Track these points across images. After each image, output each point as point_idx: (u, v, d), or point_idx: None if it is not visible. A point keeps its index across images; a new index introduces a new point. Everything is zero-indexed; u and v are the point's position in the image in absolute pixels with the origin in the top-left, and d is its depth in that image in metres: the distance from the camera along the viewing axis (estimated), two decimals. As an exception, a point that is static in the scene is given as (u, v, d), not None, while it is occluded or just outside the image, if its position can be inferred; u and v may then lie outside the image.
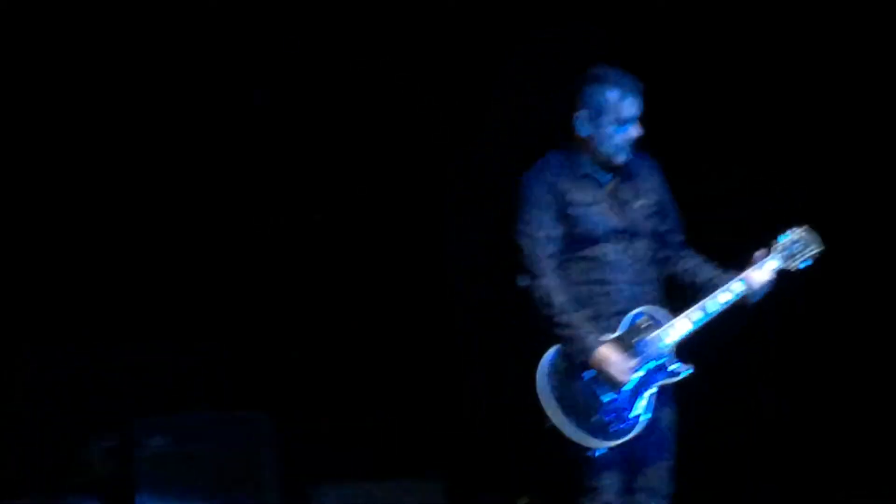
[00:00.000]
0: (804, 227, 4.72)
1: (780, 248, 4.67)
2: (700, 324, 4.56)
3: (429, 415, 6.56)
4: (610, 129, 4.56)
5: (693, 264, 4.77)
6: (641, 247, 4.65)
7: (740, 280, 4.59)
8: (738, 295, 4.58)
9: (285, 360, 6.58)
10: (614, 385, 4.46)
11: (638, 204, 4.66)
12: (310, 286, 6.55)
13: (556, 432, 4.44)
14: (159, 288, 6.42)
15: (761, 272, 4.59)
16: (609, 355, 4.45)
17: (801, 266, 4.69)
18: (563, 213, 4.59)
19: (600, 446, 4.46)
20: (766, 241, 4.69)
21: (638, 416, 4.51)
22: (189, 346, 6.45)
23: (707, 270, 4.72)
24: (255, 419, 6.39)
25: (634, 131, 4.58)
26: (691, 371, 4.56)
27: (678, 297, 4.68)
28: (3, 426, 6.09)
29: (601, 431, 4.46)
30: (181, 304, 6.45)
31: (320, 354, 6.65)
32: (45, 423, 6.18)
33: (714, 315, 4.58)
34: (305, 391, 6.60)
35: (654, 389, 4.54)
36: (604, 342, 4.46)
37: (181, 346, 6.42)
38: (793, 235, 4.70)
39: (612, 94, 4.54)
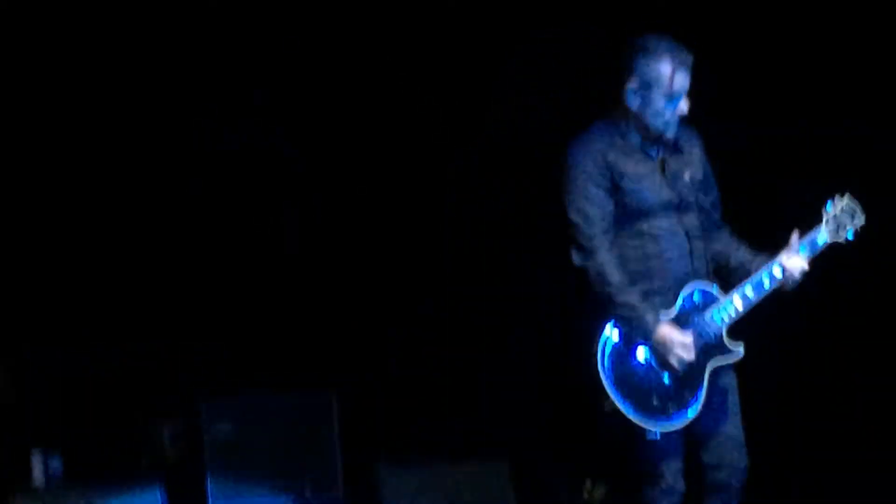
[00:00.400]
0: (847, 196, 4.65)
1: (827, 219, 4.60)
2: (749, 306, 4.54)
3: (493, 396, 6.53)
4: (660, 103, 4.49)
5: (729, 244, 4.73)
6: (692, 220, 4.59)
7: (777, 264, 4.53)
8: (776, 280, 4.53)
9: (347, 339, 6.56)
10: (675, 364, 4.43)
11: (687, 176, 4.59)
12: (368, 264, 6.55)
13: (616, 415, 4.42)
14: (221, 272, 6.46)
15: (798, 258, 4.55)
16: (670, 334, 4.41)
17: (850, 237, 4.62)
18: (615, 186, 4.51)
19: (660, 429, 4.44)
20: (800, 224, 4.64)
21: (697, 397, 4.47)
22: (249, 329, 6.49)
23: (742, 253, 4.68)
24: (319, 399, 6.39)
25: (684, 105, 4.51)
26: (740, 355, 4.55)
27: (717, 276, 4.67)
28: (73, 411, 6.16)
29: (661, 414, 4.44)
30: (239, 287, 6.50)
31: (381, 332, 6.64)
32: (114, 408, 6.23)
33: (759, 298, 4.54)
34: (368, 370, 6.59)
35: (711, 369, 4.50)
36: (663, 321, 4.43)
37: (241, 329, 6.45)
38: (839, 204, 4.62)
39: (664, 68, 4.46)
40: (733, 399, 4.64)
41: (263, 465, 6.24)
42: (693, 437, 4.58)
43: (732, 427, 4.61)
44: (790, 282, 4.55)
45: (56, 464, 5.99)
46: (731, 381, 4.62)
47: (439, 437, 6.52)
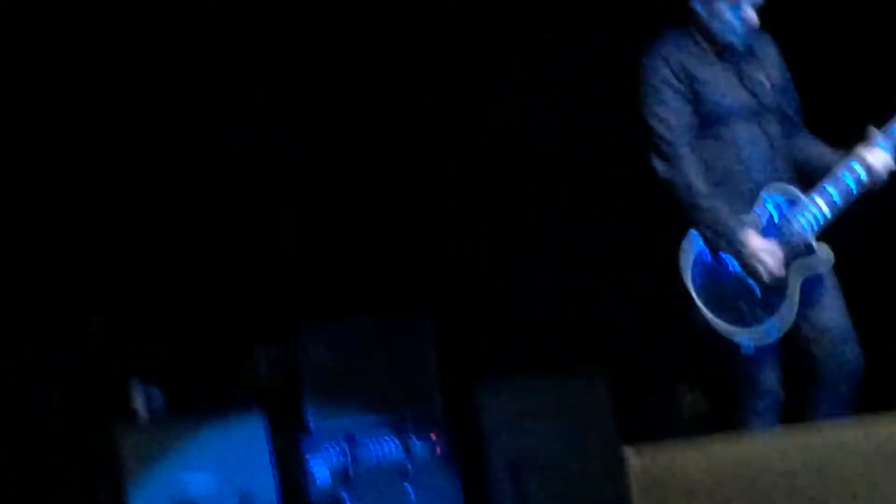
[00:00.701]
0: None
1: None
2: (836, 208, 4.46)
3: (586, 312, 6.55)
4: (725, 13, 4.46)
5: (812, 146, 4.67)
6: (773, 125, 4.56)
7: (856, 161, 4.45)
8: (860, 178, 4.44)
9: (441, 263, 6.63)
10: (763, 274, 4.39)
11: (766, 81, 4.56)
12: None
13: (706, 326, 4.41)
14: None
15: (878, 151, 4.45)
16: (756, 242, 4.38)
17: None
18: (692, 92, 4.51)
19: (753, 339, 4.41)
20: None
21: (790, 305, 4.42)
22: (345, 253, 6.53)
23: (826, 154, 4.61)
24: (415, 322, 6.46)
25: (751, 14, 4.46)
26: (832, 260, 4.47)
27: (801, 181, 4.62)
28: (170, 340, 6.26)
29: (754, 322, 4.41)
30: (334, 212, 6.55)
31: (475, 254, 6.67)
32: (212, 336, 6.32)
33: (846, 199, 4.47)
34: (463, 292, 6.64)
35: (802, 275, 4.45)
36: (749, 229, 4.39)
37: (335, 254, 6.50)
38: None
39: None
40: (834, 293, 4.58)
41: (362, 388, 6.32)
42: (801, 335, 4.54)
43: (838, 319, 4.55)
44: (878, 179, 4.45)
45: (157, 395, 6.08)
46: (827, 277, 4.55)
47: (535, 354, 6.59)
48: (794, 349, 4.55)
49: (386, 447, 6.33)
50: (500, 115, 6.55)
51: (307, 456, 6.05)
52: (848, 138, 4.57)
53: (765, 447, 3.71)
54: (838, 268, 4.56)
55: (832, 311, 4.52)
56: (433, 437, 6.39)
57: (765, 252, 4.38)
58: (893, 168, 4.45)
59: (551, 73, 6.40)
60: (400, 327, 6.51)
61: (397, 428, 6.34)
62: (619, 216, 6.31)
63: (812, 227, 4.45)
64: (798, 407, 4.56)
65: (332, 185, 6.53)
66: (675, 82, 4.51)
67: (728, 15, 4.48)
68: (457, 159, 6.52)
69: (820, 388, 4.52)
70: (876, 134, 4.45)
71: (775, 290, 4.42)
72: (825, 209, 4.44)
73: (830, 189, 4.45)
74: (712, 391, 6.05)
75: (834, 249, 4.49)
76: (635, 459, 3.66)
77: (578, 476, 6.06)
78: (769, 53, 4.65)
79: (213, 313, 6.39)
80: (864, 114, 4.56)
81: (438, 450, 6.39)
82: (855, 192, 4.45)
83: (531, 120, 6.47)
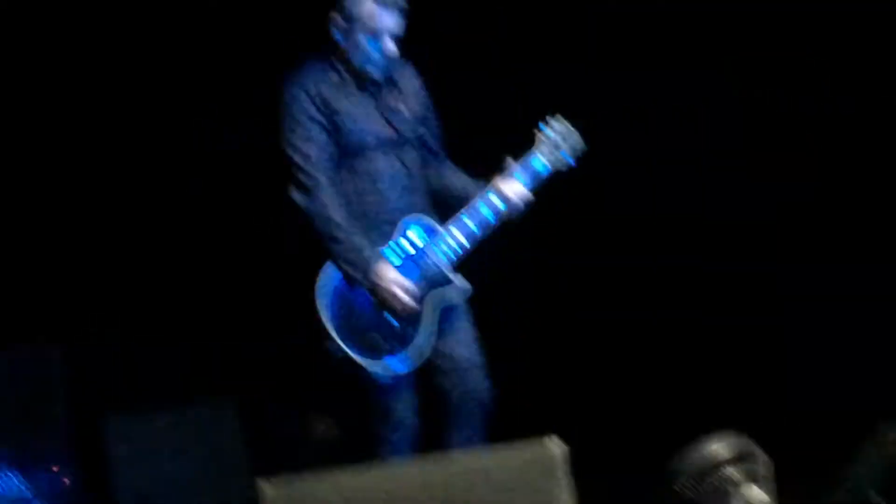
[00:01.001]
0: (559, 117, 4.69)
1: (540, 140, 4.64)
2: (474, 238, 4.57)
3: (219, 341, 6.63)
4: (363, 41, 4.54)
5: (451, 175, 4.80)
6: (411, 155, 4.66)
7: (493, 192, 4.57)
8: (497, 209, 4.57)
9: (70, 293, 6.60)
10: (397, 307, 4.49)
11: (405, 112, 4.66)
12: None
13: (342, 356, 4.48)
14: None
15: (515, 183, 4.59)
16: (390, 275, 4.47)
17: (570, 161, 4.66)
18: (332, 122, 4.56)
19: (387, 371, 4.51)
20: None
21: (426, 335, 4.53)
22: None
23: (464, 183, 4.74)
24: (42, 353, 6.36)
25: (391, 45, 4.55)
26: (468, 290, 4.59)
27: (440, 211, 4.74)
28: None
29: (389, 353, 4.52)
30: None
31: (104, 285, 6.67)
32: None
33: (484, 230, 4.58)
34: (93, 323, 6.60)
35: (439, 305, 4.55)
36: (383, 262, 4.47)
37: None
38: (552, 125, 4.67)
39: (367, 4, 4.52)
40: (466, 325, 4.72)
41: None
42: (432, 366, 4.66)
43: (469, 351, 4.69)
44: (514, 211, 4.59)
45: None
46: (461, 308, 4.69)
47: (164, 384, 6.64)
48: (429, 379, 4.66)
49: (7, 482, 6.21)
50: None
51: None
52: (490, 169, 4.68)
53: (399, 476, 3.76)
54: (474, 298, 4.69)
55: (464, 343, 4.65)
56: (56, 470, 6.28)
57: (399, 286, 4.46)
58: (529, 199, 4.59)
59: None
60: (26, 359, 6.38)
61: (20, 461, 6.21)
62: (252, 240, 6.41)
63: (449, 257, 4.55)
64: (437, 436, 4.69)
65: None
66: (315, 113, 4.55)
67: (367, 46, 4.55)
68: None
69: (451, 417, 4.64)
70: (513, 165, 4.58)
71: (411, 321, 4.52)
72: (462, 240, 4.55)
73: (468, 220, 4.55)
74: (345, 420, 6.15)
75: (471, 280, 4.61)
76: (269, 490, 3.66)
77: (211, 508, 6.09)
78: (411, 84, 4.74)
79: None
80: (504, 145, 4.70)
81: (65, 483, 6.28)
82: (493, 222, 4.57)
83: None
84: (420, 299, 4.52)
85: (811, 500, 4.41)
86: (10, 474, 6.11)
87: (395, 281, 4.46)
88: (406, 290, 4.47)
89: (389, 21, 4.54)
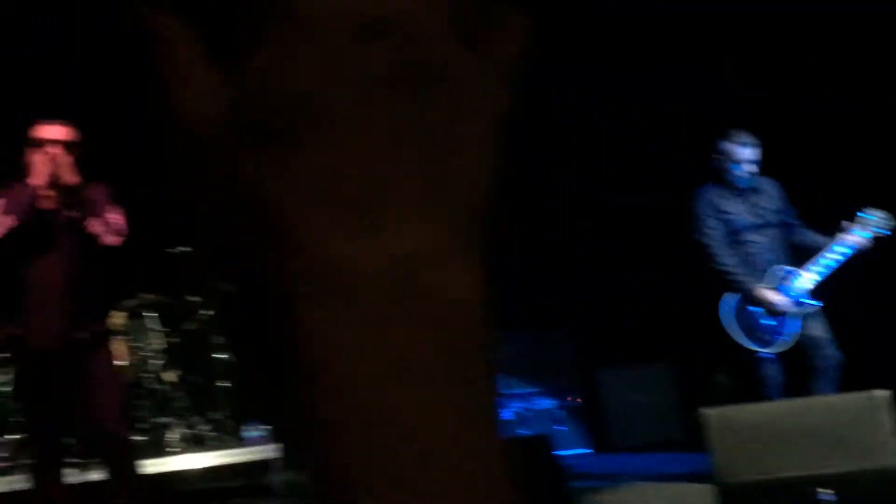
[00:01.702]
0: (875, 209, 6.04)
1: (860, 221, 6.01)
2: (822, 275, 6.00)
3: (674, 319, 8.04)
4: (731, 166, 6.19)
5: (803, 235, 6.17)
6: (772, 231, 6.18)
7: (838, 243, 5.98)
8: (842, 252, 5.91)
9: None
10: (772, 311, 5.95)
11: (766, 206, 6.20)
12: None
13: (736, 344, 6.06)
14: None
15: (854, 235, 5.96)
16: (766, 292, 6.00)
17: (871, 235, 5.98)
18: (722, 218, 6.13)
19: (770, 350, 5.99)
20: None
21: (791, 332, 5.99)
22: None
23: (814, 238, 6.12)
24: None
25: (748, 167, 6.13)
26: (819, 305, 6.00)
27: (803, 258, 6.09)
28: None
29: (765, 342, 6.03)
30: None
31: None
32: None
33: (830, 268, 5.97)
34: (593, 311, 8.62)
35: (803, 314, 5.99)
36: (761, 286, 6.03)
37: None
38: (871, 213, 6.01)
39: (730, 146, 6.16)
40: (820, 321, 6.03)
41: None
42: (802, 345, 5.98)
43: (823, 333, 6.01)
44: (862, 247, 5.94)
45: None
46: (816, 313, 6.06)
47: (638, 347, 8.53)
48: (800, 353, 5.98)
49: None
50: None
51: None
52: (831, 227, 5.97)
53: (786, 409, 4.79)
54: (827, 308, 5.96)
55: (819, 329, 6.02)
56: (570, 399, 8.57)
57: (772, 297, 5.95)
58: (866, 244, 5.97)
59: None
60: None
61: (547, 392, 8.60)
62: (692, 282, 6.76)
63: (806, 288, 6.02)
64: (798, 389, 5.85)
65: None
66: (713, 213, 6.13)
67: (734, 170, 6.17)
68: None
69: (815, 375, 5.93)
70: (849, 224, 6.01)
71: (783, 321, 6.01)
72: (814, 276, 6.02)
73: (816, 264, 6.02)
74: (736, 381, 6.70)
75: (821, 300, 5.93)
76: (712, 413, 4.63)
77: None
78: (769, 187, 6.23)
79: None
80: (838, 211, 6.00)
81: (578, 402, 8.57)
82: (838, 263, 5.96)
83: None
84: (791, 311, 5.96)
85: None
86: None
87: (769, 296, 5.99)
88: (778, 299, 5.95)
89: (749, 153, 6.17)
